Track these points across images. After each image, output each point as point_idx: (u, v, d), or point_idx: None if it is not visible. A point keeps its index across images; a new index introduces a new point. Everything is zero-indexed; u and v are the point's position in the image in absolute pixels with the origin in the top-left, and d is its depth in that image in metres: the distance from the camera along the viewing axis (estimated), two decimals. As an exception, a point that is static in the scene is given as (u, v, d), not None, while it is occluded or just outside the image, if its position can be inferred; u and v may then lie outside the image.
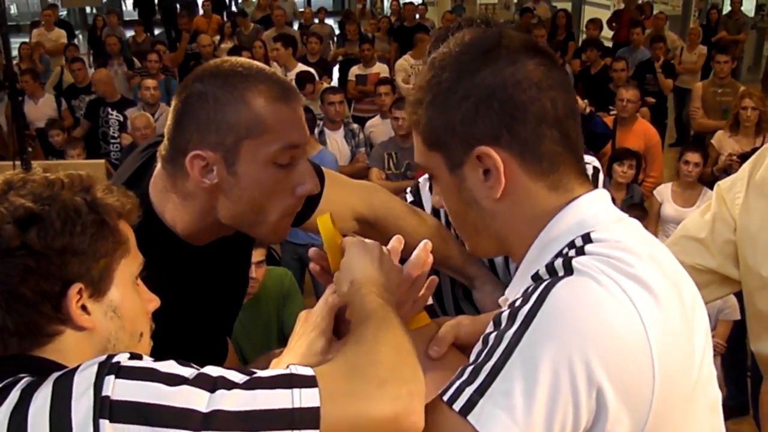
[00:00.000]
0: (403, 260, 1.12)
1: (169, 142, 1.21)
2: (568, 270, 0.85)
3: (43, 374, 0.87)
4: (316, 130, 5.29)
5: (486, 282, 1.62)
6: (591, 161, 1.61)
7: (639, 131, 5.23)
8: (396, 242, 1.12)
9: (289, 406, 0.83)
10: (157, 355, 1.14)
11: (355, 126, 5.53)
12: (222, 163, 1.16)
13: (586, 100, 4.72)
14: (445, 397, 0.85)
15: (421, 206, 1.71)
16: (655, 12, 10.26)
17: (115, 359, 0.85)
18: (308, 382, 0.85)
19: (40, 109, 6.73)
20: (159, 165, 1.26)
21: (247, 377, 0.86)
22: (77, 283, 0.92)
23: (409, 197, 1.76)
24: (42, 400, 0.83)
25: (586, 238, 0.90)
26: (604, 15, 10.80)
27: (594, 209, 0.93)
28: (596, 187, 0.98)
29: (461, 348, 1.07)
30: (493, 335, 0.86)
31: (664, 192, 4.55)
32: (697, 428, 0.92)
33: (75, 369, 0.86)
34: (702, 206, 1.71)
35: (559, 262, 0.88)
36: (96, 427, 0.79)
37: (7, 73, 5.45)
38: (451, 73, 0.93)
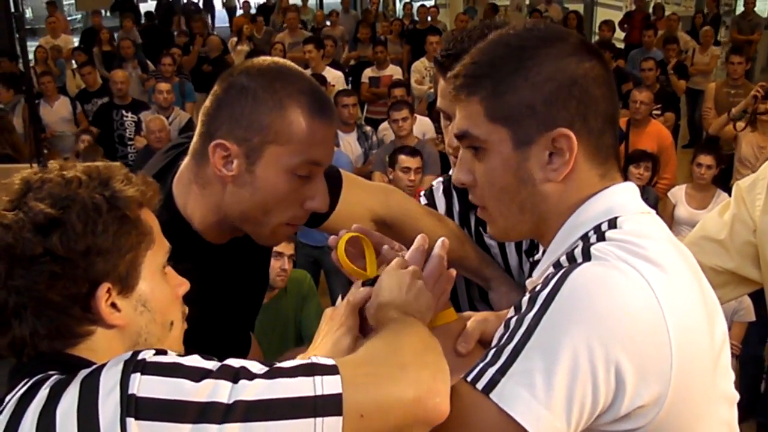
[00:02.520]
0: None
1: (201, 125, 1.24)
2: (587, 256, 0.90)
3: (72, 371, 0.87)
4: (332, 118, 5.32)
5: (502, 283, 1.62)
6: None
7: (652, 133, 5.23)
8: (421, 240, 1.12)
9: (311, 393, 0.84)
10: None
11: (369, 128, 5.57)
12: (243, 159, 1.19)
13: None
14: (468, 378, 0.88)
15: (435, 209, 1.72)
16: (667, 13, 10.21)
17: (140, 356, 0.85)
18: (330, 370, 0.86)
19: (56, 112, 6.79)
20: (188, 158, 1.29)
21: (268, 367, 0.86)
22: (105, 283, 0.91)
23: (423, 200, 1.77)
24: (70, 399, 0.83)
25: (612, 223, 0.94)
26: (616, 16, 10.76)
27: (623, 198, 0.98)
28: None
29: (485, 345, 1.08)
30: (514, 319, 0.89)
31: (678, 194, 4.55)
32: (716, 416, 0.94)
33: (102, 367, 0.86)
34: (720, 205, 1.69)
35: (578, 249, 0.92)
36: (123, 426, 0.79)
37: (24, 76, 5.49)
38: (534, 53, 0.95)
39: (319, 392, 0.84)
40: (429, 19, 10.05)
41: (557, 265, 0.94)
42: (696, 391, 0.88)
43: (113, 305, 0.93)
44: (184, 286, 1.04)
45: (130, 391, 0.81)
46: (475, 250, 1.63)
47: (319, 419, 0.83)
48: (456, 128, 1.01)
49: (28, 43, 5.85)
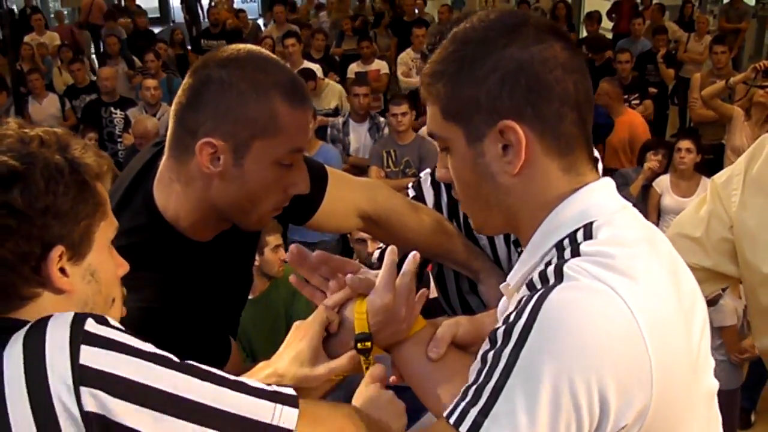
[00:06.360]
0: (402, 258, 1.12)
1: (177, 121, 1.21)
2: (559, 277, 0.87)
3: (8, 333, 0.84)
4: (341, 120, 5.36)
5: (491, 275, 1.63)
6: None
7: (625, 122, 5.32)
8: (391, 255, 1.11)
9: (267, 420, 0.86)
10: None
11: (382, 120, 5.47)
12: (230, 154, 1.18)
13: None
14: (452, 420, 0.86)
15: (423, 201, 1.73)
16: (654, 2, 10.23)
17: (87, 326, 0.82)
18: (291, 401, 0.89)
19: (45, 109, 6.76)
20: (165, 157, 1.26)
21: (234, 378, 0.87)
22: (59, 246, 0.89)
23: (411, 192, 1.77)
24: (15, 363, 0.81)
25: (587, 232, 0.91)
26: (604, 6, 10.76)
27: (599, 198, 0.95)
28: None
29: (460, 347, 1.08)
30: (491, 354, 0.87)
31: (664, 183, 4.58)
32: (695, 416, 0.94)
33: (44, 326, 0.83)
34: (696, 200, 1.68)
35: (551, 268, 0.89)
36: (78, 396, 0.78)
37: (12, 73, 5.43)
38: (477, 47, 0.93)
39: (276, 422, 0.86)
40: (416, 11, 10.02)
41: (531, 286, 0.92)
42: (676, 396, 0.88)
43: (62, 270, 0.90)
44: (124, 267, 1.02)
45: (82, 362, 0.79)
46: (463, 243, 1.64)
47: None
48: (426, 129, 1.01)
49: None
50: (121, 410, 0.79)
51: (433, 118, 0.98)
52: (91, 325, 0.83)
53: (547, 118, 0.92)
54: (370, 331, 1.06)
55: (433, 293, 1.93)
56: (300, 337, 1.08)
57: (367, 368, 1.07)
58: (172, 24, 15.49)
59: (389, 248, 1.11)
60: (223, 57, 1.20)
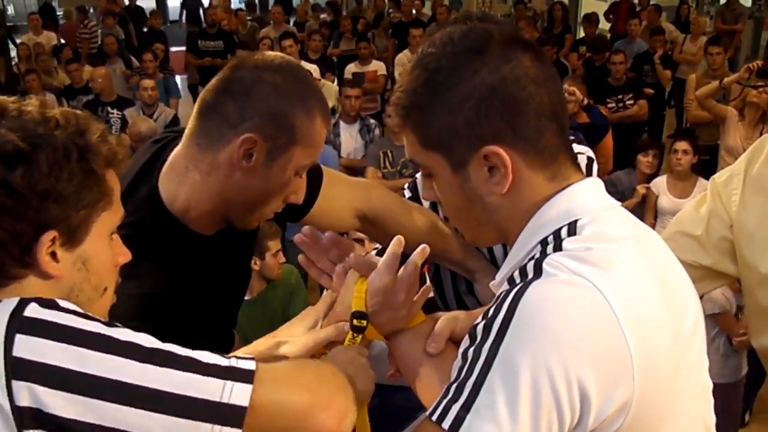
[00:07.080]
0: (404, 256, 1.13)
1: (212, 110, 1.24)
2: (537, 272, 0.88)
3: None
4: (331, 122, 5.35)
5: (487, 274, 1.62)
6: (585, 151, 1.63)
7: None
8: (396, 244, 1.12)
9: (216, 399, 0.83)
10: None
11: (372, 121, 5.50)
12: (263, 154, 1.22)
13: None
14: (434, 417, 0.87)
15: (419, 202, 1.73)
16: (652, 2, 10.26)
17: (27, 311, 0.81)
18: (245, 377, 0.86)
19: (41, 109, 6.74)
20: (185, 145, 1.28)
21: (186, 356, 0.85)
22: (52, 231, 0.88)
23: (408, 193, 1.78)
24: None
25: (572, 228, 0.92)
26: (602, 6, 10.78)
27: (584, 197, 0.96)
28: (590, 176, 1.00)
29: (456, 343, 1.09)
30: (471, 350, 0.88)
31: (660, 184, 4.59)
32: (685, 413, 0.94)
33: None
34: (696, 199, 1.69)
35: (531, 264, 0.91)
36: (9, 389, 0.77)
37: (7, 73, 5.41)
38: (448, 75, 0.93)
39: (225, 399, 0.84)
40: (414, 12, 10.04)
41: (511, 281, 0.93)
42: (660, 391, 0.88)
43: (53, 255, 0.90)
44: (125, 256, 1.02)
45: (15, 353, 0.78)
46: (458, 243, 1.64)
47: (217, 427, 0.83)
48: (405, 154, 1.04)
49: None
50: (55, 401, 0.78)
51: (413, 146, 1.00)
52: (32, 311, 0.82)
53: (527, 136, 0.93)
54: (368, 311, 1.08)
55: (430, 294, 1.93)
56: (305, 314, 1.13)
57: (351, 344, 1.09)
58: (169, 24, 15.51)
59: (395, 238, 1.12)
60: (276, 63, 1.26)
